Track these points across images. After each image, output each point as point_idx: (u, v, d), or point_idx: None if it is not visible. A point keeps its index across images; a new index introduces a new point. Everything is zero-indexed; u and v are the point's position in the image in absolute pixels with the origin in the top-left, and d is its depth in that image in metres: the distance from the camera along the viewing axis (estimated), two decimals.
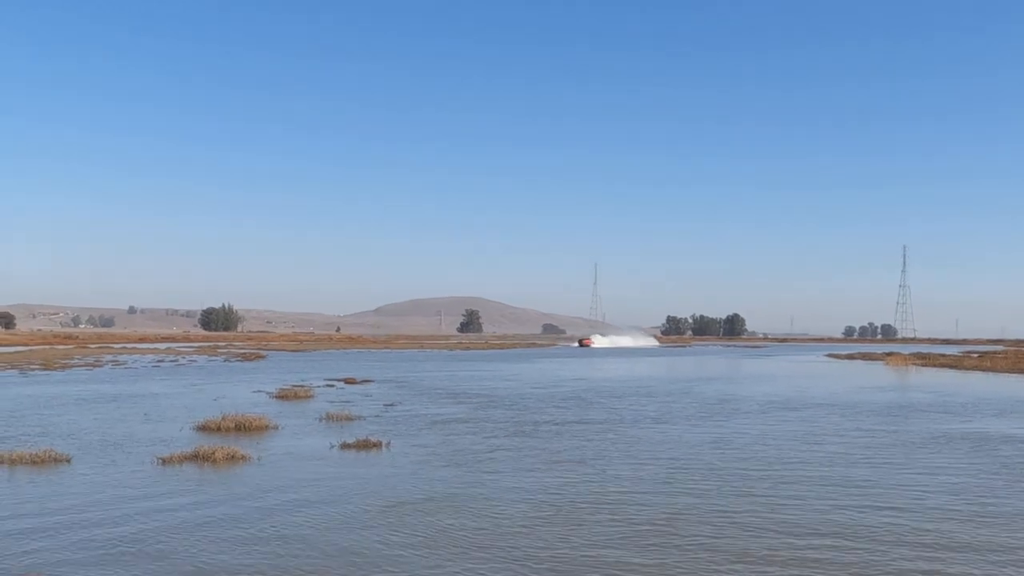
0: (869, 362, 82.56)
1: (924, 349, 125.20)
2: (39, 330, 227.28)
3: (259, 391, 37.44)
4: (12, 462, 17.61)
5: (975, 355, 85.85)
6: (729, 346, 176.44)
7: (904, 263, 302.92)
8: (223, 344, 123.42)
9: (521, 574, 10.49)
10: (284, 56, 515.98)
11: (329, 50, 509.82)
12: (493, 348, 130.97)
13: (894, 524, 12.95)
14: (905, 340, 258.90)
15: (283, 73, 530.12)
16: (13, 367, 54.85)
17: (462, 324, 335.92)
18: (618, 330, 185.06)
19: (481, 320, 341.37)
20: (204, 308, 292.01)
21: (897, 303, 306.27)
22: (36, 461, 17.71)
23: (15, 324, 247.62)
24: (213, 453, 18.12)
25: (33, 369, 53.29)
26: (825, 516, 13.49)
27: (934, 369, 66.72)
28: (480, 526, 12.73)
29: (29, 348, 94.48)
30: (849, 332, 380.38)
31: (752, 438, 22.98)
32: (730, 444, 21.76)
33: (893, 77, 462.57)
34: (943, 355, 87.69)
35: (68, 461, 17.98)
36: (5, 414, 26.94)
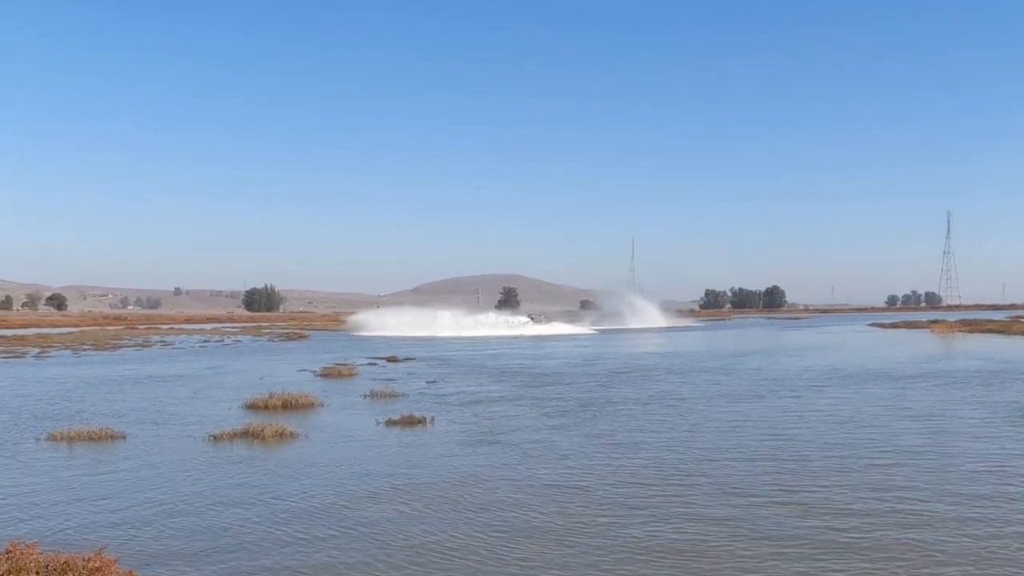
0: (914, 330, 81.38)
1: (970, 316, 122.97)
2: (89, 311, 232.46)
3: (304, 370, 38.08)
4: (71, 439, 18.24)
5: (1023, 320, 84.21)
6: (770, 319, 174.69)
7: (948, 229, 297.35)
8: (266, 324, 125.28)
9: (572, 556, 10.68)
10: (317, 39, 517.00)
11: (361, 29, 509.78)
12: None
13: None
14: (950, 307, 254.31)
15: (316, 57, 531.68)
16: (66, 347, 56.38)
17: (499, 302, 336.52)
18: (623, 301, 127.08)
19: (519, 298, 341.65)
20: (247, 289, 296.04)
21: (941, 270, 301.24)
22: (93, 438, 18.33)
23: (67, 305, 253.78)
24: (262, 430, 18.57)
25: (85, 350, 54.74)
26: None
27: (981, 335, 65.63)
28: (518, 504, 12.96)
29: (80, 329, 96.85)
30: (892, 301, 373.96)
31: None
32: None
33: (933, 45, 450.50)
34: (990, 321, 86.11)
35: (123, 438, 18.58)
36: (61, 393, 27.80)
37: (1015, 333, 64.99)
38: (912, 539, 10.56)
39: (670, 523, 11.44)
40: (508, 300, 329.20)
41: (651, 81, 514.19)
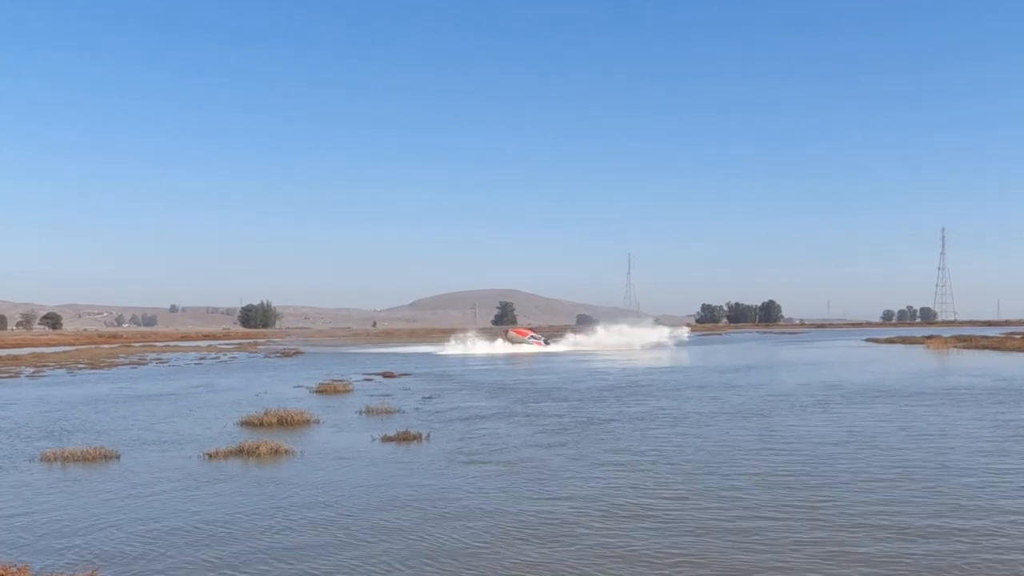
0: (909, 346, 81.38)
1: (965, 332, 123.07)
2: (84, 330, 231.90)
3: (299, 386, 37.98)
4: (64, 459, 18.13)
5: (1018, 336, 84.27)
6: (765, 333, 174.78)
7: (943, 245, 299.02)
8: (262, 341, 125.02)
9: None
10: (315, 54, 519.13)
11: (355, 46, 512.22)
12: None
13: None
14: (945, 323, 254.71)
15: (314, 71, 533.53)
16: (61, 366, 56.18)
17: (496, 317, 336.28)
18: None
19: (515, 312, 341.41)
20: (243, 306, 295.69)
21: (936, 285, 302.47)
22: (87, 458, 18.22)
23: (62, 324, 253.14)
24: (257, 448, 18.49)
25: (80, 368, 54.51)
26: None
27: (976, 351, 65.67)
28: (504, 522, 12.90)
29: (76, 347, 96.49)
30: (888, 316, 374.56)
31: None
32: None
33: (930, 60, 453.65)
34: (985, 337, 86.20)
35: (117, 458, 18.47)
36: (55, 413, 27.67)
37: (1010, 349, 65.04)
38: (927, 561, 10.52)
39: (660, 544, 11.39)
40: (505, 315, 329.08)
41: (647, 95, 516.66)
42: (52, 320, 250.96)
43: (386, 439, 20.48)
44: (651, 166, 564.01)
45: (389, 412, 26.45)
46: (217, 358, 70.16)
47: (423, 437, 20.72)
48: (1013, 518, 12.16)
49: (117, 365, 58.54)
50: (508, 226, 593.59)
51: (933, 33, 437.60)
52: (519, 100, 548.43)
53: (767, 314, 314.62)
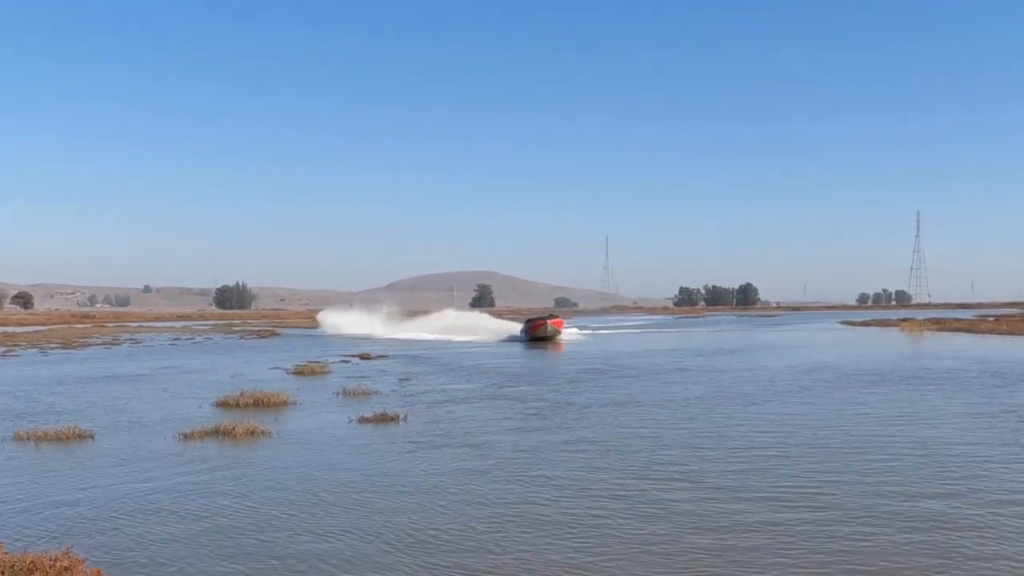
0: (884, 328, 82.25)
1: (939, 314, 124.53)
2: (56, 310, 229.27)
3: (276, 367, 37.79)
4: (37, 439, 17.96)
5: (991, 319, 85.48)
6: (742, 316, 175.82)
7: (918, 228, 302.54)
8: (238, 322, 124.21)
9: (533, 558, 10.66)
10: (300, 25, 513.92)
11: (339, 20, 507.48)
12: None
13: None
14: (920, 306, 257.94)
15: (293, 45, 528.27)
16: (33, 346, 55.55)
17: (474, 299, 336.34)
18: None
19: (493, 295, 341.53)
20: (218, 287, 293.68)
21: (911, 269, 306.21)
22: (60, 438, 18.05)
23: (33, 304, 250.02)
24: (233, 429, 18.39)
25: (52, 348, 53.95)
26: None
27: (949, 334, 66.48)
28: (481, 504, 12.93)
29: (48, 327, 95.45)
30: (863, 299, 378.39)
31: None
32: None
33: (907, 41, 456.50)
34: (958, 320, 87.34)
35: (91, 438, 18.31)
36: (27, 392, 27.37)
37: (982, 332, 65.94)
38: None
39: (643, 536, 11.46)
40: (483, 297, 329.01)
41: (626, 79, 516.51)
42: (24, 299, 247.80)
43: (363, 420, 20.43)
44: (630, 150, 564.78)
45: (366, 394, 26.38)
46: (192, 339, 69.67)
47: (400, 418, 20.70)
48: (994, 508, 12.36)
49: (90, 345, 58.00)
50: (486, 208, 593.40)
51: (918, 19, 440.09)
52: (497, 87, 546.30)
53: (744, 297, 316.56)
